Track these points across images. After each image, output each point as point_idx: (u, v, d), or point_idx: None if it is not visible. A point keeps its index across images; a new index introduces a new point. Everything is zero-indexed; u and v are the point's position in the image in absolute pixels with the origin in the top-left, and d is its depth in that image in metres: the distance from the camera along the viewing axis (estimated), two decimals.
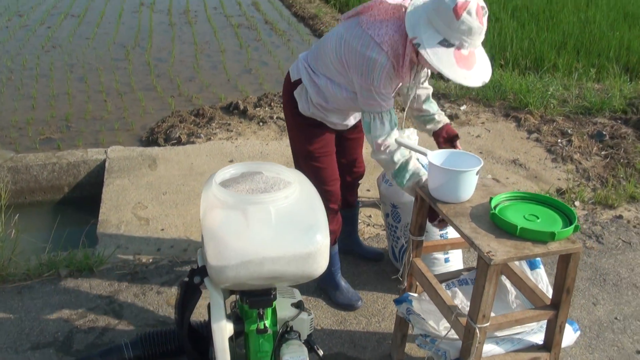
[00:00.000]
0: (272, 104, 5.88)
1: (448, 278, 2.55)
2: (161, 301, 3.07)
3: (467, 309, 2.11)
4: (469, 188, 2.21)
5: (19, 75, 7.13)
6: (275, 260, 1.86)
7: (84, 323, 2.90)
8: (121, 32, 9.28)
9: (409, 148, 2.49)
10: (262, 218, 1.91)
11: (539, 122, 5.69)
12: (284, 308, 2.23)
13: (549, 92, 6.13)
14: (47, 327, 2.88)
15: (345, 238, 3.33)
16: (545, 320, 2.23)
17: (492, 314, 2.08)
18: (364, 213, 3.97)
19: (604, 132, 5.46)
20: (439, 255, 3.07)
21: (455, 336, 2.18)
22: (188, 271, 2.17)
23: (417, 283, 2.48)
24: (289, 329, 2.21)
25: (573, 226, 2.03)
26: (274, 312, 2.20)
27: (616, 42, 8.41)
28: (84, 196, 4.50)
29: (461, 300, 2.41)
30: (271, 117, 5.52)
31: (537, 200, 2.22)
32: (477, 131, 5.42)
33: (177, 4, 11.41)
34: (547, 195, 2.28)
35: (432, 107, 2.81)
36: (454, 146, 2.76)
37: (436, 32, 2.19)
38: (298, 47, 8.94)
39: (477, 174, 2.20)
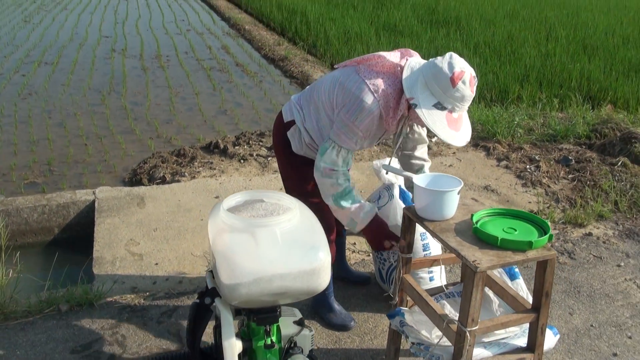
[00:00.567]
0: (251, 142, 6.08)
1: (436, 292, 2.74)
2: (162, 330, 3.20)
3: (456, 317, 2.31)
4: (452, 206, 2.43)
5: None
6: (283, 276, 2.04)
7: (89, 354, 3.02)
8: (95, 78, 9.44)
9: (396, 172, 2.71)
10: (270, 239, 2.09)
11: (507, 150, 5.97)
12: (287, 326, 2.40)
13: (515, 122, 6.44)
14: (53, 359, 2.99)
15: (334, 265, 3.50)
16: (528, 325, 2.43)
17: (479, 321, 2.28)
18: (348, 241, 4.15)
19: (570, 157, 5.76)
20: (424, 275, 3.27)
21: (448, 342, 2.36)
22: (197, 294, 2.33)
23: (408, 298, 2.67)
24: (293, 344, 2.38)
25: (548, 235, 2.26)
26: (279, 329, 2.36)
27: (577, 73, 8.83)
28: (74, 236, 4.60)
29: (449, 311, 2.60)
30: (251, 155, 5.71)
31: (513, 215, 2.45)
32: (449, 161, 5.67)
33: (148, 49, 11.63)
34: (522, 210, 2.49)
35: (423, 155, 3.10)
36: None
37: (432, 95, 2.44)
38: (270, 87, 9.20)
39: (458, 194, 2.42)
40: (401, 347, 2.86)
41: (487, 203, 4.77)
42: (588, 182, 5.27)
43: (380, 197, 3.32)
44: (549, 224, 4.43)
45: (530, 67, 9.32)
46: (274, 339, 2.29)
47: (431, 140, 6.17)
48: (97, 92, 8.66)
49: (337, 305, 3.29)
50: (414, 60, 2.60)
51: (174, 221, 4.37)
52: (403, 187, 3.28)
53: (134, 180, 5.49)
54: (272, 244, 2.08)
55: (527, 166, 5.59)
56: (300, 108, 2.91)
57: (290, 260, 2.06)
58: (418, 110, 2.43)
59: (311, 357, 2.45)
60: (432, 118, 2.43)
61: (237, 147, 5.92)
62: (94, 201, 4.64)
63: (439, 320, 2.34)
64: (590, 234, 4.45)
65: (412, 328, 2.50)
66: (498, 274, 2.71)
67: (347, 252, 4.00)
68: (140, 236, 4.16)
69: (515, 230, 2.32)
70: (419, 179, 2.50)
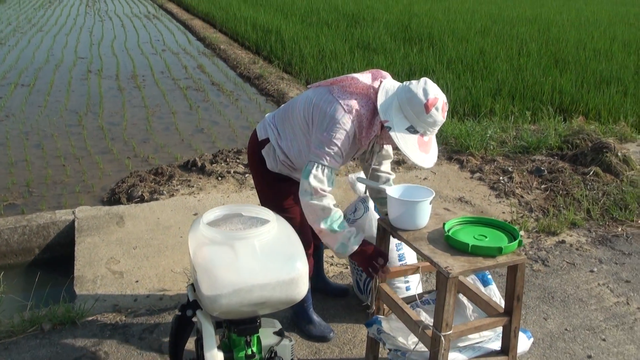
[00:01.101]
0: (228, 159, 6.14)
1: (411, 300, 2.82)
2: (144, 346, 3.24)
3: (432, 323, 2.38)
4: (424, 216, 2.52)
5: None
6: (262, 286, 2.10)
7: None
8: (72, 99, 9.45)
9: (368, 184, 2.79)
10: (249, 251, 2.15)
11: (480, 163, 6.09)
12: (267, 336, 2.46)
13: (488, 135, 6.57)
14: None
15: (313, 277, 3.57)
16: (501, 330, 2.51)
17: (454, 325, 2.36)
18: (326, 254, 4.22)
19: (543, 168, 5.89)
20: (401, 285, 3.35)
21: (424, 348, 2.44)
22: (178, 307, 2.39)
23: (385, 306, 2.75)
24: (273, 354, 2.44)
25: (517, 241, 2.35)
26: (259, 340, 2.42)
27: (549, 86, 9.02)
28: (55, 256, 4.61)
29: (425, 318, 2.67)
30: (228, 172, 5.77)
31: (484, 222, 2.55)
32: (423, 174, 5.77)
33: (124, 70, 11.66)
34: (492, 218, 2.58)
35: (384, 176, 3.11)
36: None
37: (405, 119, 2.55)
38: (246, 105, 9.28)
39: (430, 204, 2.51)
40: (380, 356, 2.93)
41: (461, 214, 4.86)
42: (561, 192, 5.39)
43: (356, 209, 3.40)
44: (520, 231, 4.60)
45: (503, 81, 9.51)
46: (254, 349, 2.35)
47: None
48: (74, 113, 8.67)
49: (316, 317, 3.35)
50: (389, 83, 2.70)
51: (154, 239, 4.41)
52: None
53: (112, 199, 5.52)
54: (251, 256, 2.14)
55: (501, 177, 5.71)
56: (275, 127, 2.99)
57: (268, 271, 2.13)
58: (392, 133, 2.53)
59: None
60: (404, 141, 2.53)
61: (214, 165, 5.97)
62: (73, 221, 4.67)
63: (415, 326, 2.41)
64: (563, 242, 4.57)
65: (389, 335, 2.57)
66: (472, 281, 2.80)
67: (326, 265, 4.07)
68: (121, 254, 4.19)
69: (486, 237, 2.41)
70: (392, 190, 2.58)
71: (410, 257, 3.33)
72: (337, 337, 3.34)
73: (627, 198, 5.20)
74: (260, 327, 2.35)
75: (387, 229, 2.61)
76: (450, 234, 2.40)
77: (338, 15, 17.22)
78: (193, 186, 5.47)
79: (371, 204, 3.34)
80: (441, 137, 6.70)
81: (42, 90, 9.99)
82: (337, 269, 4.09)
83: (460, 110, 8.09)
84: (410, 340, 2.55)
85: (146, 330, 3.38)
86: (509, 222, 4.71)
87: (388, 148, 3.08)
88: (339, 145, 2.66)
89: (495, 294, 2.74)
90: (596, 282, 4.03)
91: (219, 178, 5.66)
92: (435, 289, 2.98)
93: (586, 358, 3.27)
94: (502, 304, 2.58)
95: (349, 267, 3.69)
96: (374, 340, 2.78)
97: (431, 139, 2.63)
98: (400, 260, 3.29)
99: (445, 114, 2.58)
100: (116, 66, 12.01)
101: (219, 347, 2.31)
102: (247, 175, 5.68)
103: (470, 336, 2.59)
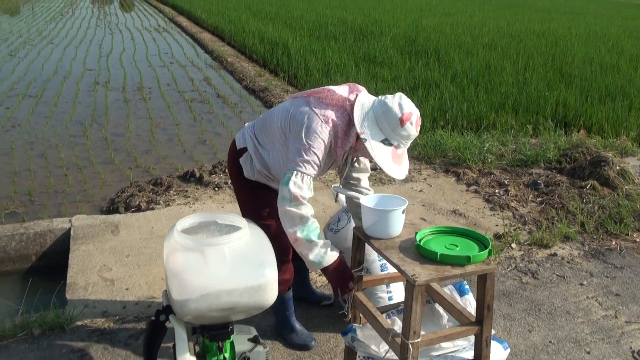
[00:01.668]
0: (227, 171, 6.19)
1: (389, 309, 2.85)
2: (129, 352, 3.28)
3: None
4: (396, 225, 2.56)
5: None
6: (230, 292, 2.15)
7: None
8: (78, 110, 9.56)
9: (344, 193, 2.84)
10: (218, 257, 2.20)
11: (477, 176, 6.12)
12: (241, 342, 2.50)
13: (485, 148, 6.59)
14: None
15: (298, 286, 3.62)
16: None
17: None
18: None
19: (539, 181, 5.91)
20: (383, 295, 3.38)
21: (394, 356, 2.46)
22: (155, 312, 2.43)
23: (361, 315, 2.78)
24: None
25: (487, 250, 2.38)
26: (232, 346, 2.46)
27: (553, 100, 9.03)
28: (51, 264, 4.67)
29: (399, 326, 2.70)
30: (226, 183, 5.83)
31: (456, 232, 2.58)
32: (419, 186, 5.80)
33: (131, 82, 11.78)
34: (465, 227, 2.61)
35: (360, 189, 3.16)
36: None
37: (380, 131, 2.64)
38: (250, 117, 9.34)
39: (403, 213, 2.55)
40: None
41: (437, 224, 4.88)
42: (556, 205, 5.41)
43: (339, 219, 3.44)
44: (512, 243, 4.61)
45: (507, 95, 9.54)
46: (227, 355, 2.39)
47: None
48: (79, 123, 8.78)
49: (298, 326, 3.38)
50: (364, 97, 2.76)
51: (147, 247, 4.46)
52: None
53: (111, 209, 5.58)
54: (220, 262, 2.19)
55: (496, 190, 5.73)
56: (254, 135, 3.05)
57: (237, 277, 2.17)
58: (367, 144, 2.60)
59: None
60: (379, 152, 2.61)
61: (212, 176, 6.03)
62: (70, 229, 4.73)
63: (386, 334, 2.44)
64: (555, 255, 4.58)
65: (362, 343, 2.60)
66: (448, 291, 2.82)
67: (314, 275, 4.10)
68: (113, 262, 4.25)
69: (457, 247, 2.44)
70: (365, 200, 2.62)
71: (393, 268, 3.35)
72: (318, 346, 3.36)
73: (622, 212, 5.20)
74: (234, 333, 2.39)
75: (362, 238, 2.64)
76: (421, 243, 2.43)
77: (346, 29, 17.32)
78: (189, 196, 5.53)
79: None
80: (439, 150, 6.74)
81: (49, 101, 10.12)
82: (325, 279, 4.11)
83: (462, 124, 8.12)
84: (382, 349, 2.58)
85: (132, 336, 3.42)
86: (501, 235, 4.75)
87: (365, 162, 3.12)
88: (317, 154, 2.72)
89: (471, 304, 2.76)
90: (585, 295, 4.03)
91: (216, 189, 5.71)
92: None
93: None
94: None
95: None
96: (350, 349, 2.81)
97: (404, 152, 2.72)
98: (382, 270, 3.32)
99: (419, 128, 2.67)
100: (123, 78, 12.14)
101: (192, 353, 2.35)
102: None
103: (444, 345, 2.62)
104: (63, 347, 3.34)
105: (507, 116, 8.38)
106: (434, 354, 2.59)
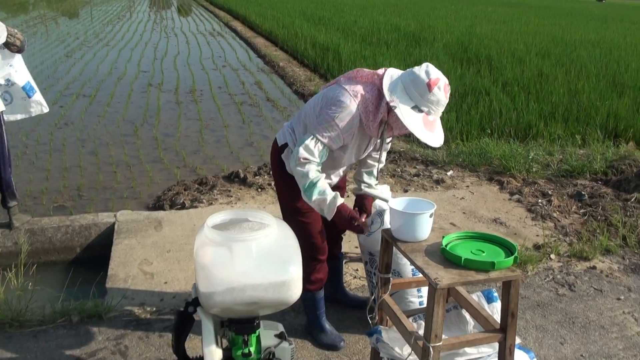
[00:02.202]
0: (271, 172, 6.27)
1: (416, 312, 2.87)
2: (163, 343, 3.39)
3: None
4: (424, 228, 2.58)
5: (34, 150, 7.57)
6: (255, 287, 2.21)
7: None
8: (130, 110, 9.82)
9: (373, 196, 2.88)
10: (245, 253, 2.26)
11: (521, 185, 6.06)
12: (267, 338, 2.56)
13: (531, 157, 6.53)
14: None
15: (331, 287, 3.67)
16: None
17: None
18: (351, 267, 4.31)
19: (583, 193, 5.82)
20: (414, 299, 3.39)
21: (417, 359, 2.48)
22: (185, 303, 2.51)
23: (387, 317, 2.80)
24: (271, 355, 2.52)
25: (513, 257, 2.38)
26: (259, 340, 2.52)
27: (604, 111, 8.86)
28: (95, 256, 4.83)
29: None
30: (269, 184, 5.91)
31: (484, 238, 2.58)
32: (461, 194, 5.78)
33: (183, 84, 12.02)
34: (493, 234, 2.62)
35: (371, 180, 3.30)
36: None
37: (410, 99, 2.70)
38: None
39: (430, 217, 2.57)
40: None
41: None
42: (599, 217, 5.32)
43: (373, 222, 3.46)
44: (550, 254, 4.56)
45: (557, 104, 9.40)
46: (252, 349, 2.45)
47: (446, 174, 6.30)
48: (131, 123, 9.01)
49: (328, 326, 3.43)
50: (393, 70, 2.86)
51: (187, 244, 4.57)
52: None
53: (157, 206, 5.73)
54: (246, 257, 2.25)
55: (539, 200, 5.66)
56: (292, 131, 3.15)
57: (262, 272, 2.23)
58: (397, 112, 2.68)
59: None
60: (409, 118, 2.68)
61: (257, 177, 6.13)
62: (114, 223, 4.88)
63: (409, 336, 2.46)
64: (594, 268, 4.51)
65: (387, 345, 2.63)
66: (476, 298, 2.83)
67: (349, 278, 4.15)
68: (154, 257, 4.37)
69: (483, 252, 2.45)
70: (394, 202, 2.65)
71: None
72: (347, 347, 3.40)
73: None
74: (260, 327, 2.45)
75: (389, 241, 2.68)
76: (448, 247, 2.45)
77: (399, 35, 17.31)
78: (232, 196, 5.63)
79: (387, 217, 3.41)
80: (484, 158, 6.70)
81: (103, 101, 10.41)
82: (360, 282, 4.15)
83: (510, 132, 8.04)
84: (405, 351, 2.60)
85: (167, 328, 3.52)
86: (541, 245, 4.70)
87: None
88: (339, 125, 2.82)
89: (498, 312, 2.75)
90: (621, 310, 3.96)
91: (259, 190, 5.80)
92: (449, 303, 3.01)
93: None
94: None
95: (366, 278, 3.75)
96: (375, 350, 2.84)
97: (436, 120, 2.77)
98: (414, 274, 3.34)
99: (448, 95, 2.73)
100: (176, 80, 12.39)
101: (218, 345, 2.42)
102: None
103: (468, 351, 2.62)
104: (100, 334, 3.47)
105: (557, 125, 8.27)
106: (458, 359, 2.60)
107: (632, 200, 5.62)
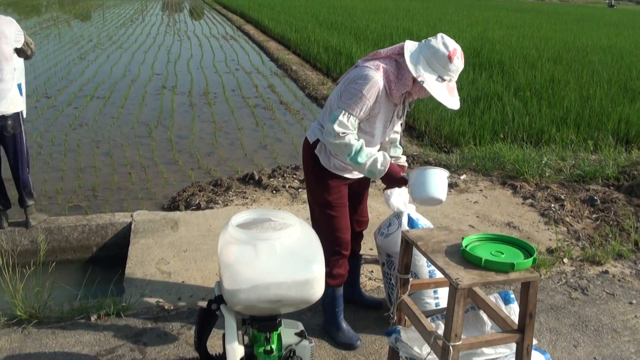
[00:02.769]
0: (285, 175, 6.34)
1: (434, 313, 2.90)
2: (181, 340, 3.43)
3: None
4: (438, 184, 2.97)
5: (48, 150, 7.66)
6: (279, 285, 2.25)
7: (112, 357, 3.27)
8: (144, 112, 9.90)
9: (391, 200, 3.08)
10: (269, 251, 2.31)
11: (534, 189, 6.08)
12: (288, 336, 2.60)
13: (543, 162, 6.55)
14: None
15: (348, 287, 3.71)
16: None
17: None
18: (366, 269, 4.34)
19: (596, 198, 5.83)
20: (430, 300, 3.43)
21: (436, 359, 2.52)
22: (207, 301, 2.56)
23: (406, 317, 2.84)
24: (292, 353, 2.57)
25: (532, 259, 2.41)
26: (280, 338, 2.56)
27: (616, 116, 8.87)
28: (111, 255, 4.90)
29: (442, 330, 2.75)
30: (284, 186, 5.96)
31: (503, 240, 2.62)
32: (475, 198, 5.81)
33: (197, 87, 12.10)
34: (512, 236, 2.65)
35: (397, 152, 3.49)
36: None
37: (433, 71, 2.93)
38: (310, 124, 9.46)
39: (447, 178, 3.05)
40: None
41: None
42: (611, 222, 5.34)
43: (390, 224, 3.51)
44: (563, 258, 4.58)
45: (569, 109, 9.42)
46: (274, 346, 2.49)
47: (459, 178, 6.32)
48: (145, 125, 9.09)
49: (345, 325, 3.47)
50: (410, 43, 3.02)
51: (204, 244, 4.62)
52: (412, 215, 3.48)
53: (172, 206, 5.78)
54: (270, 256, 2.29)
55: (552, 205, 5.68)
56: (321, 126, 3.25)
57: (286, 271, 2.27)
58: (425, 85, 2.90)
59: None
60: (436, 89, 2.93)
61: (271, 179, 6.18)
62: (131, 223, 4.94)
63: (428, 336, 2.50)
64: (606, 272, 4.53)
65: (406, 344, 2.67)
66: (494, 299, 2.86)
67: (364, 279, 4.18)
68: (171, 256, 4.42)
69: (502, 254, 2.48)
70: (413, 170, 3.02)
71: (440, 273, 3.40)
72: (364, 347, 3.44)
73: None
74: (281, 325, 2.49)
75: (409, 241, 2.71)
76: (467, 248, 2.49)
77: (411, 40, 17.29)
78: (247, 198, 5.68)
79: (404, 219, 3.45)
80: (497, 162, 6.72)
81: (117, 103, 10.50)
82: (375, 284, 4.19)
83: (522, 137, 8.06)
84: (424, 351, 2.63)
85: (185, 326, 3.57)
86: (554, 249, 4.73)
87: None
88: (368, 97, 2.98)
89: (515, 313, 2.78)
90: (633, 314, 3.98)
91: (274, 191, 5.85)
92: (467, 304, 3.04)
93: None
94: None
95: (382, 279, 3.79)
96: (394, 350, 2.87)
97: (454, 85, 3.02)
98: (430, 276, 3.38)
99: (463, 60, 2.98)
100: (190, 83, 12.48)
101: (241, 342, 2.46)
102: (300, 190, 5.85)
103: (486, 351, 2.65)
104: (118, 331, 3.52)
105: (569, 131, 8.29)
106: (476, 359, 2.64)
107: None
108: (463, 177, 6.40)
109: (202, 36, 21.56)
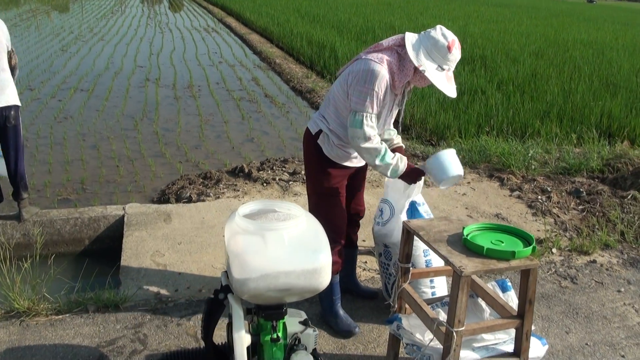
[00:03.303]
0: (274, 167, 6.37)
1: (433, 302, 2.97)
2: (181, 331, 3.46)
3: None
4: (454, 163, 3.23)
5: (34, 143, 7.61)
6: (288, 274, 2.29)
7: (113, 349, 3.29)
8: (129, 105, 9.87)
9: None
10: (278, 241, 2.35)
11: (521, 182, 6.18)
12: (292, 324, 2.64)
13: (530, 155, 6.65)
14: (80, 352, 3.27)
15: (344, 277, 3.78)
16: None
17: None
18: (360, 259, 4.39)
19: (581, 190, 5.94)
20: (427, 290, 3.49)
21: (438, 344, 2.58)
22: (213, 291, 2.60)
23: (406, 305, 2.90)
24: (297, 341, 2.61)
25: (531, 247, 2.48)
26: (285, 327, 2.60)
27: (598, 110, 9.01)
28: (104, 248, 4.90)
29: (443, 317, 2.81)
30: (274, 179, 6.00)
31: (502, 229, 2.69)
32: (463, 190, 5.89)
33: (181, 80, 12.07)
34: (511, 225, 2.72)
35: (391, 133, 3.55)
36: None
37: (433, 61, 3.04)
38: (296, 118, 9.53)
39: (456, 155, 3.27)
40: (401, 356, 3.08)
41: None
42: (597, 213, 5.44)
43: (382, 211, 3.59)
44: (552, 248, 4.67)
45: (552, 103, 9.55)
46: (280, 334, 2.53)
47: None
48: (131, 118, 9.06)
49: (342, 312, 3.54)
50: (410, 35, 3.12)
51: (198, 236, 4.65)
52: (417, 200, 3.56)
53: (162, 199, 5.80)
54: (279, 245, 2.33)
55: (539, 197, 5.78)
56: (323, 117, 3.34)
57: (294, 260, 2.32)
58: (427, 74, 3.01)
59: (314, 355, 2.67)
60: (437, 78, 3.04)
61: (261, 172, 6.21)
62: (123, 216, 4.95)
63: (431, 322, 2.56)
64: (594, 261, 4.63)
65: (407, 331, 2.73)
66: (492, 287, 2.93)
67: (358, 270, 4.24)
68: (166, 249, 4.44)
69: (503, 243, 2.55)
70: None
71: (437, 264, 3.47)
72: (362, 336, 3.50)
73: None
74: (287, 314, 2.53)
75: (410, 231, 2.77)
76: (468, 238, 2.55)
77: (394, 33, 17.28)
78: (239, 190, 5.70)
79: (393, 205, 3.53)
80: (483, 155, 6.81)
81: (101, 95, 10.45)
82: (370, 274, 4.25)
83: (507, 131, 8.17)
84: (426, 337, 2.70)
85: (184, 317, 3.60)
86: (542, 240, 4.82)
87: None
88: (380, 93, 3.08)
89: (513, 300, 2.86)
90: (622, 302, 4.09)
91: (264, 184, 5.88)
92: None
93: None
94: None
95: (379, 269, 3.85)
96: (395, 337, 2.93)
97: (452, 75, 3.16)
98: (427, 265, 3.44)
99: (460, 50, 3.10)
100: (173, 76, 12.44)
101: (247, 330, 2.50)
102: (291, 182, 5.89)
103: (485, 337, 2.73)
104: (117, 323, 3.54)
105: (552, 124, 8.41)
106: (476, 345, 2.70)
107: (629, 197, 5.74)
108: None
109: (184, 29, 21.47)
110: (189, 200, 5.51)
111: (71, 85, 11.11)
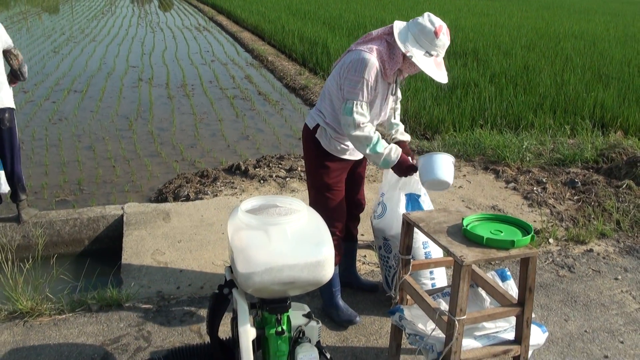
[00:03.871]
0: (271, 164, 6.40)
1: (434, 292, 3.00)
2: (185, 327, 3.50)
3: None
4: (444, 168, 3.09)
5: (30, 145, 7.62)
6: (292, 267, 2.32)
7: (117, 347, 3.32)
8: (123, 105, 9.88)
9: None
10: (281, 235, 2.38)
11: (516, 173, 6.23)
12: (296, 317, 2.68)
13: (524, 147, 6.70)
14: (85, 350, 3.30)
15: (344, 270, 3.82)
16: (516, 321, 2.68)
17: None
18: (359, 253, 4.43)
19: (576, 180, 5.99)
20: (427, 281, 3.53)
21: (441, 334, 2.62)
22: (217, 286, 2.63)
23: (407, 297, 2.94)
24: (301, 334, 2.65)
25: (530, 236, 2.52)
26: (289, 320, 2.64)
27: (590, 101, 9.07)
28: (104, 248, 4.93)
29: (444, 307, 2.85)
30: (270, 176, 6.02)
31: (501, 219, 2.73)
32: (459, 182, 5.93)
33: (174, 79, 12.08)
34: (509, 215, 2.76)
35: (396, 126, 3.64)
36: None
37: (421, 47, 3.07)
38: (291, 115, 9.56)
39: (452, 163, 3.17)
40: (403, 347, 3.12)
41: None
42: (592, 203, 5.49)
43: (378, 204, 3.62)
44: (549, 239, 4.72)
45: (545, 95, 9.60)
46: (284, 327, 2.56)
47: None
48: (125, 118, 9.08)
49: (342, 303, 3.59)
50: (399, 23, 3.18)
51: (197, 234, 4.67)
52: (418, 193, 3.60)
53: (159, 198, 5.82)
54: (282, 240, 2.37)
55: (534, 188, 5.83)
56: (319, 111, 3.38)
57: (298, 253, 2.35)
58: (414, 60, 3.02)
59: (318, 347, 2.70)
60: (424, 64, 3.06)
61: (257, 169, 6.23)
62: (122, 215, 4.97)
63: (433, 312, 2.60)
64: (591, 250, 4.68)
65: (410, 322, 2.77)
66: (491, 277, 2.97)
67: (358, 264, 4.27)
68: (166, 247, 4.47)
69: (502, 232, 2.59)
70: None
71: (437, 255, 3.50)
72: (364, 328, 3.53)
73: None
74: (290, 308, 2.57)
75: (410, 223, 2.81)
76: (468, 228, 2.59)
77: None
78: (236, 188, 5.73)
79: (387, 198, 3.57)
80: (478, 148, 6.85)
81: (94, 96, 10.46)
82: (369, 268, 4.29)
83: (501, 123, 8.21)
84: (428, 327, 2.74)
85: (187, 314, 3.63)
86: (539, 230, 4.86)
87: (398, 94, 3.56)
88: (370, 80, 3.11)
89: (512, 289, 2.90)
90: (619, 289, 4.14)
91: (261, 181, 5.91)
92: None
93: (603, 358, 3.39)
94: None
95: (379, 262, 3.88)
96: (397, 328, 2.97)
97: (442, 60, 3.17)
98: (426, 257, 3.48)
99: (449, 37, 3.13)
100: (166, 75, 12.45)
101: (252, 324, 2.53)
102: (288, 179, 5.92)
103: (486, 325, 2.77)
104: (120, 321, 3.57)
105: (545, 116, 8.46)
106: (477, 333, 2.74)
107: (624, 186, 5.80)
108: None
109: (175, 28, 21.46)
110: (187, 198, 5.54)
111: (64, 87, 11.12)
